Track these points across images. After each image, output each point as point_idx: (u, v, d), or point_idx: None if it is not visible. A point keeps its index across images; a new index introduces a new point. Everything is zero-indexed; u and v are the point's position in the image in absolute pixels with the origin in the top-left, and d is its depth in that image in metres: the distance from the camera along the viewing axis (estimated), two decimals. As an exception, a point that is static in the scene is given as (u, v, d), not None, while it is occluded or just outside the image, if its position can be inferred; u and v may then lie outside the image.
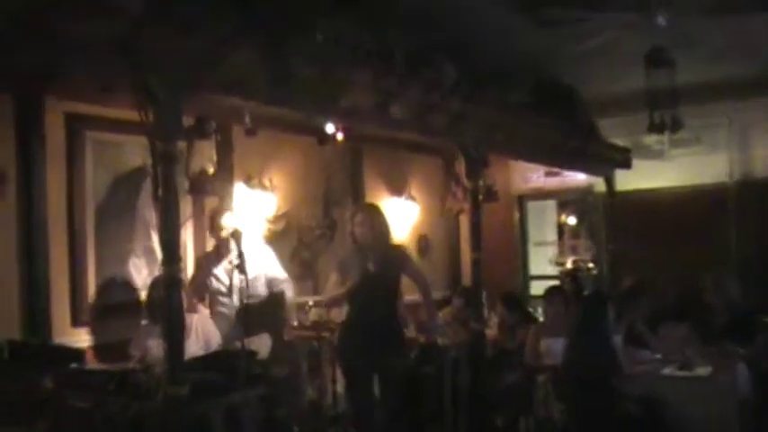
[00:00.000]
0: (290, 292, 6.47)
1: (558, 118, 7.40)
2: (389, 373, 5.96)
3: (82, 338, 5.93)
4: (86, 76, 4.74)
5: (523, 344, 7.29)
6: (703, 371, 6.08)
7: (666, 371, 6.19)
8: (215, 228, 6.29)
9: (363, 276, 5.90)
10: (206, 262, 6.40)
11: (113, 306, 6.22)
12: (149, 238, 6.42)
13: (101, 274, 6.20)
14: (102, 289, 6.21)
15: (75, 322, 6.01)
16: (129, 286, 6.35)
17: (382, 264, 6.01)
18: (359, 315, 6.02)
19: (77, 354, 5.15)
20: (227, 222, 6.19)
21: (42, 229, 5.77)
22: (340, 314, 6.36)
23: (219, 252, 6.31)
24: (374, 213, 6.24)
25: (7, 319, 5.53)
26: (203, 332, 5.74)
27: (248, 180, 7.40)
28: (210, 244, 6.60)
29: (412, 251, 9.67)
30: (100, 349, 6.03)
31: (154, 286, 5.70)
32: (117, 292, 6.28)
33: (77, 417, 4.23)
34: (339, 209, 8.22)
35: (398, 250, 6.36)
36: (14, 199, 5.62)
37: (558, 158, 8.24)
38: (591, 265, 10.28)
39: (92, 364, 5.28)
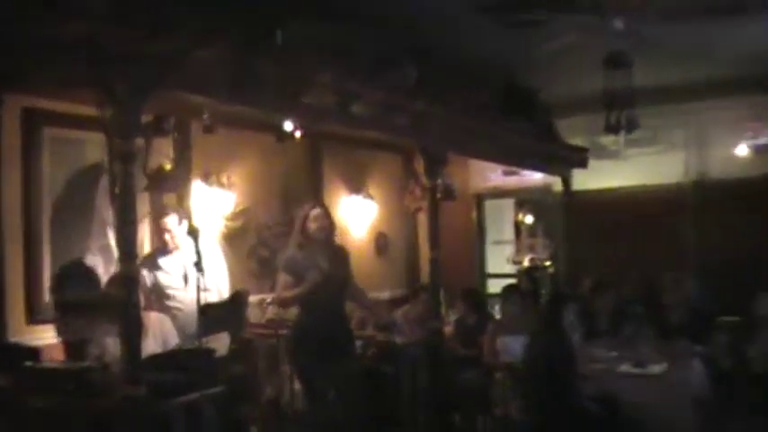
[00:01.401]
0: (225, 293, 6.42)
1: (517, 119, 7.46)
2: (344, 374, 5.95)
3: (37, 336, 5.85)
4: (48, 74, 4.70)
5: (481, 342, 7.34)
6: (658, 368, 6.15)
7: (622, 368, 6.25)
8: (159, 228, 6.24)
9: (321, 277, 5.86)
10: (148, 263, 6.24)
11: (75, 302, 6.14)
12: (106, 235, 6.37)
13: (56, 271, 6.11)
14: (64, 283, 6.13)
15: (31, 321, 5.95)
16: (92, 282, 6.26)
17: (334, 263, 6.00)
18: (312, 316, 5.97)
19: (33, 352, 5.10)
20: (170, 224, 6.16)
21: (-3, 226, 5.70)
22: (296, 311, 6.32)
23: (166, 249, 6.28)
24: (328, 211, 6.23)
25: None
26: (161, 331, 5.70)
27: (206, 177, 7.36)
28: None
29: (370, 249, 9.72)
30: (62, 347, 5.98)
31: (110, 284, 5.64)
32: (80, 288, 6.20)
33: (35, 416, 4.18)
34: (297, 207, 8.20)
35: (344, 250, 6.35)
36: (-32, 195, 5.56)
37: (517, 158, 8.32)
38: (548, 263, 10.36)
39: (48, 362, 5.20)
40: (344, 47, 4.88)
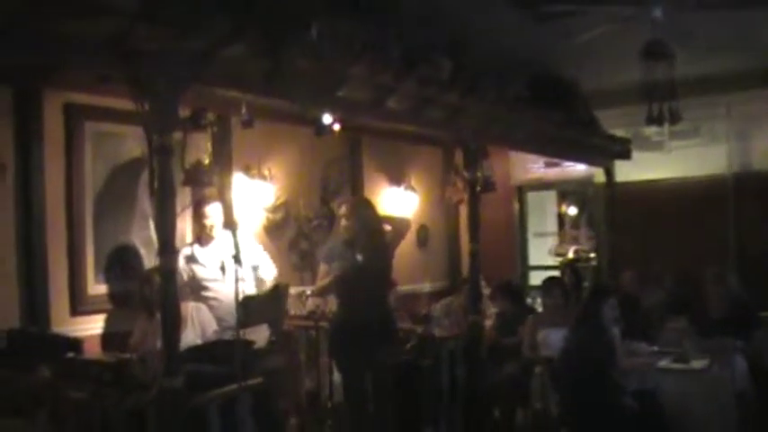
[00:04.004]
0: (272, 272, 6.57)
1: (556, 110, 7.41)
2: (381, 366, 5.97)
3: (80, 328, 5.94)
4: (83, 70, 4.75)
5: (520, 335, 7.31)
6: (699, 364, 6.09)
7: (662, 363, 6.20)
8: (199, 215, 6.33)
9: (350, 267, 5.93)
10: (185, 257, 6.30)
11: (121, 294, 6.28)
12: (147, 227, 6.42)
13: (99, 263, 6.21)
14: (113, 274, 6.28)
15: (74, 312, 6.02)
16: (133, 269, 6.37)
17: (369, 255, 6.02)
18: (348, 308, 6.06)
19: (75, 343, 5.18)
20: (212, 211, 6.22)
21: (41, 220, 5.78)
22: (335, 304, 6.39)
23: (201, 240, 6.35)
24: (360, 206, 6.28)
25: (7, 308, 5.54)
26: (199, 321, 5.77)
27: (248, 170, 7.40)
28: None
29: (411, 241, 9.67)
30: (106, 338, 6.12)
31: (146, 279, 5.73)
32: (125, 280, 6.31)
33: (74, 407, 4.25)
34: (337, 199, 8.23)
35: (385, 242, 6.31)
36: (13, 189, 5.62)
37: (557, 149, 8.27)
38: (592, 255, 10.28)
39: (89, 353, 5.28)
40: (378, 41, 4.88)
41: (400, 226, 6.53)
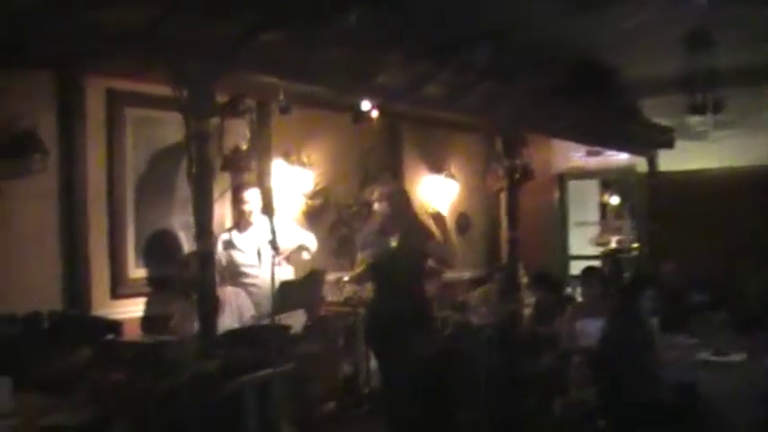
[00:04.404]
0: (313, 245, 6.65)
1: (598, 98, 7.34)
2: (417, 352, 5.97)
3: (120, 310, 6.02)
4: (121, 58, 4.81)
5: (557, 324, 7.27)
6: (738, 357, 6.02)
7: (702, 356, 6.13)
8: (237, 201, 6.38)
9: (383, 254, 5.92)
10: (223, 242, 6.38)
11: (160, 278, 6.36)
12: (187, 212, 6.45)
13: (139, 247, 6.30)
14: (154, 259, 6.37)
15: (114, 295, 6.12)
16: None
17: (403, 242, 6.00)
18: (382, 294, 6.06)
19: (115, 326, 5.25)
20: (250, 197, 6.27)
21: (82, 203, 5.86)
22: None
23: (239, 226, 6.41)
24: (393, 192, 6.20)
25: (49, 291, 5.63)
26: (237, 305, 5.82)
27: (287, 156, 7.43)
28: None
29: (451, 229, 9.65)
30: (146, 321, 6.21)
31: (186, 263, 5.79)
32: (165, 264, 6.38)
33: (112, 388, 4.30)
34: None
35: (423, 230, 6.29)
36: (56, 174, 5.70)
37: (598, 138, 8.20)
38: (635, 245, 10.19)
39: (128, 336, 5.35)
40: (416, 28, 4.87)
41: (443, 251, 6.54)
